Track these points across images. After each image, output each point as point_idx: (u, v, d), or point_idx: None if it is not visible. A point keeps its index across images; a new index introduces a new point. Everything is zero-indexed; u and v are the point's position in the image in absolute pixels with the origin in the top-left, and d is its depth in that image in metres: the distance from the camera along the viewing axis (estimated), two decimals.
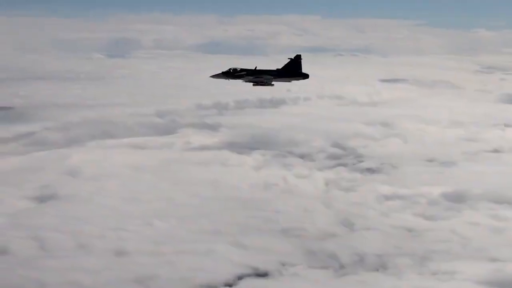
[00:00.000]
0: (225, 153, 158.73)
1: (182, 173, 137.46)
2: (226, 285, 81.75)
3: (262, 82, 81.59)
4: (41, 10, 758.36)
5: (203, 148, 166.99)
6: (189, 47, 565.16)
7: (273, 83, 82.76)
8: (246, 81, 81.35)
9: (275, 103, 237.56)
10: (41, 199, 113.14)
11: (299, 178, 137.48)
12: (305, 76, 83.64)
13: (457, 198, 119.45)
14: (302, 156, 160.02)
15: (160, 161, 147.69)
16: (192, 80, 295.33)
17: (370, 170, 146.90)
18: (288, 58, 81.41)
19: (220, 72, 79.96)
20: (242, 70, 79.86)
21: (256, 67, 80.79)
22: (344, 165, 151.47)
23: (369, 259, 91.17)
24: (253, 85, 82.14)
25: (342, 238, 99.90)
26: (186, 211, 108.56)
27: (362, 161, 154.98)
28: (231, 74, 79.68)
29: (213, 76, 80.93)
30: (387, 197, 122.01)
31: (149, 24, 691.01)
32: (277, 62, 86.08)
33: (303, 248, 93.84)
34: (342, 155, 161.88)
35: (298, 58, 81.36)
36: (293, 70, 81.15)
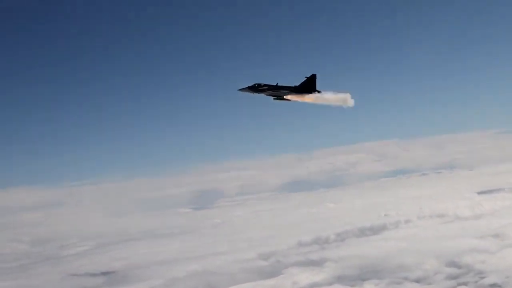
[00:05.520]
0: (337, 287, 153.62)
1: None
2: None
3: (279, 95, 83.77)
4: (124, 175, 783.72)
5: (312, 285, 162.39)
6: (273, 188, 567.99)
7: (289, 97, 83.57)
8: (267, 95, 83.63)
9: (376, 230, 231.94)
10: None
11: None
12: (319, 93, 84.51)
13: None
14: (418, 281, 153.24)
15: None
16: (285, 219, 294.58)
17: (495, 286, 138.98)
18: (305, 77, 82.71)
19: (247, 86, 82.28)
20: (265, 85, 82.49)
21: (277, 83, 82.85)
22: (465, 283, 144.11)
23: None
24: (274, 99, 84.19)
25: None
26: None
27: (483, 277, 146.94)
28: (256, 88, 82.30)
29: (241, 90, 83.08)
30: None
31: (229, 171, 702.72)
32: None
33: None
34: (460, 274, 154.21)
35: (313, 77, 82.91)
36: (308, 87, 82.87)
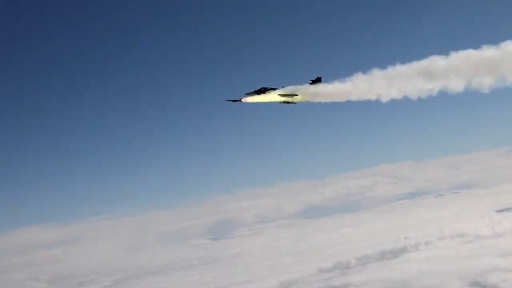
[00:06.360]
0: None
1: None
2: None
3: (286, 96, 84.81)
4: (139, 209, 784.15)
5: None
6: (289, 215, 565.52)
7: (296, 99, 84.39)
8: (273, 99, 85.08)
9: (397, 253, 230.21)
10: None
11: None
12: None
13: None
14: None
15: None
16: (304, 246, 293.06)
17: None
18: (310, 80, 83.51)
19: (253, 91, 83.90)
20: (271, 89, 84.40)
21: (283, 86, 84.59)
22: None
23: None
24: (280, 103, 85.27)
25: None
26: None
27: None
28: (262, 92, 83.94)
29: (247, 94, 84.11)
30: None
31: (244, 200, 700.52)
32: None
33: None
34: None
35: (318, 80, 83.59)
36: None
